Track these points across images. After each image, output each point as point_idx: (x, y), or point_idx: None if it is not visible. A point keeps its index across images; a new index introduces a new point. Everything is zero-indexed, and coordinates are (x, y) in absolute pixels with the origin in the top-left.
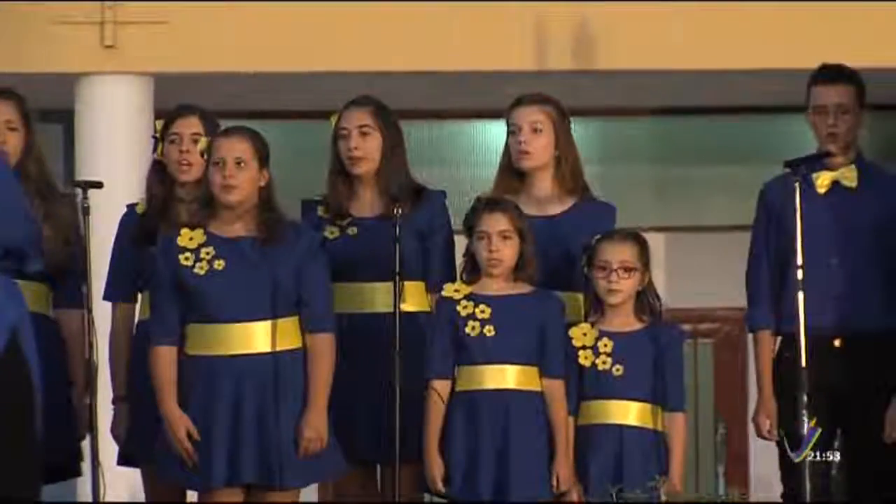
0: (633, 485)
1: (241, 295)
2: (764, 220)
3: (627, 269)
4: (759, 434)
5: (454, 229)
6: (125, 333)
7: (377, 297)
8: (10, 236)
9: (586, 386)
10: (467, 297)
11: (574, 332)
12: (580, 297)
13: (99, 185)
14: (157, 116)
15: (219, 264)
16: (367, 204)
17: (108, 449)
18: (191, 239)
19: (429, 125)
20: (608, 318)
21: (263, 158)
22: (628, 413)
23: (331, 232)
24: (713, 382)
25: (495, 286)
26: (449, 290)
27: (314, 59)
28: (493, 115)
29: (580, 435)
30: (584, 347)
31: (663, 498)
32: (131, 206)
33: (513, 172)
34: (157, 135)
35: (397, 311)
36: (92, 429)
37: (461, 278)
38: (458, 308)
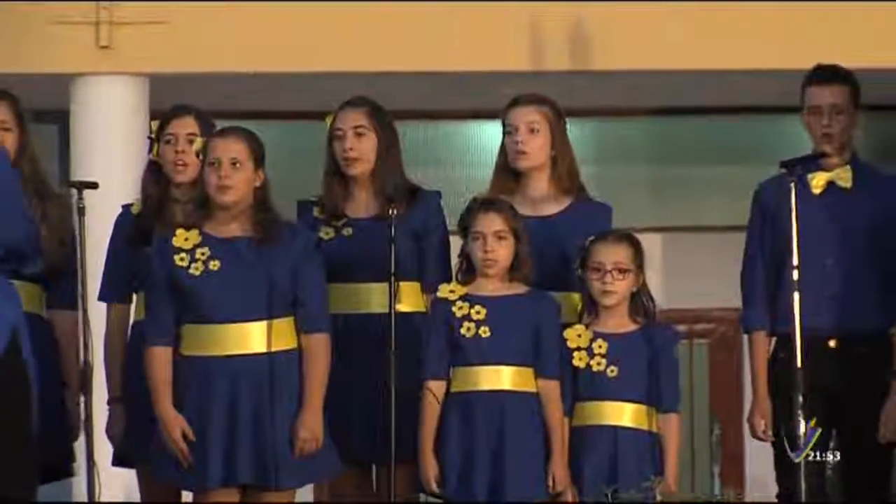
0: (628, 486)
1: (236, 295)
2: (759, 221)
3: (621, 271)
4: (754, 434)
5: (449, 230)
6: (120, 334)
7: (372, 297)
8: (10, 236)
9: (581, 387)
10: (462, 298)
11: (568, 333)
12: (576, 297)
13: (94, 185)
14: (153, 117)
15: (214, 265)
16: (362, 204)
17: (103, 449)
18: (186, 239)
19: (424, 125)
20: (602, 320)
21: (259, 159)
22: (623, 414)
23: (326, 233)
24: (709, 383)
25: (490, 287)
26: (444, 290)
27: (309, 60)
28: (488, 115)
29: (575, 436)
30: (578, 349)
31: (658, 498)
32: (126, 207)
33: (509, 173)
34: (153, 135)
35: (392, 311)
36: (87, 429)
37: (456, 279)
38: (454, 309)
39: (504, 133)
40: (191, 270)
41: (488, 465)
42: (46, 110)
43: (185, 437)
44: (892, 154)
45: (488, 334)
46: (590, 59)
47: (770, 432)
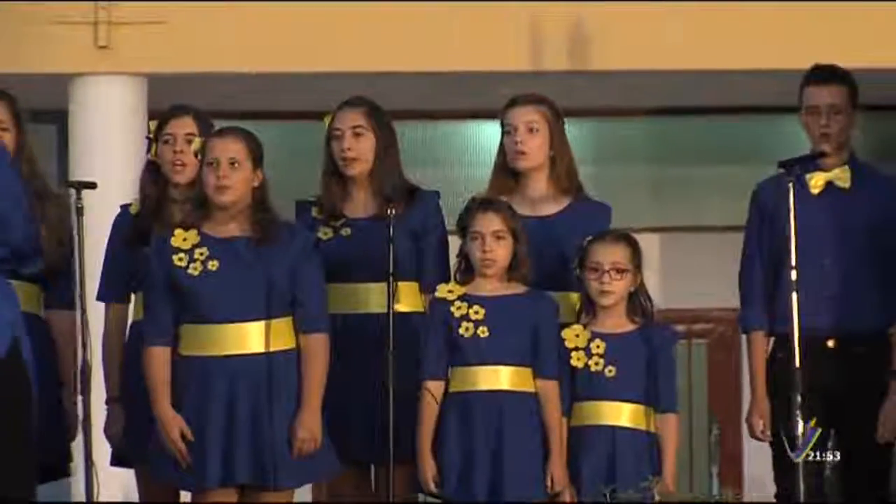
0: (626, 486)
1: (234, 295)
2: (757, 221)
3: (619, 271)
4: (753, 435)
5: (448, 230)
6: (118, 334)
7: (371, 297)
8: (12, 236)
9: (579, 387)
10: (461, 298)
11: (566, 333)
12: (575, 297)
13: (93, 185)
14: (151, 117)
15: (213, 265)
16: (360, 204)
17: (102, 449)
18: (184, 239)
19: (422, 125)
20: (600, 320)
21: (257, 159)
22: (621, 414)
23: (324, 233)
24: (707, 383)
25: (489, 287)
26: (443, 290)
27: (308, 60)
28: (487, 115)
29: (573, 436)
30: (576, 349)
31: (657, 498)
32: (125, 207)
33: (507, 173)
34: (151, 135)
35: (391, 311)
36: (86, 429)
37: (455, 279)
38: (452, 309)
39: (503, 133)
40: (189, 270)
41: (487, 465)
42: (45, 110)
43: (183, 437)
44: (891, 154)
45: (487, 334)
46: (588, 59)
47: (768, 432)
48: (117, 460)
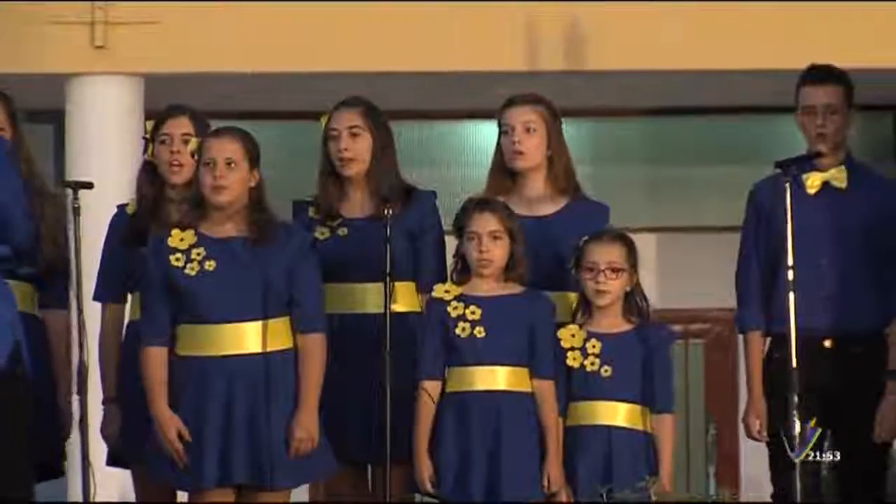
0: (623, 486)
1: (231, 295)
2: (753, 221)
3: (615, 270)
4: (749, 435)
5: (445, 230)
6: (115, 334)
7: (368, 297)
8: (13, 234)
9: (575, 387)
10: (458, 298)
11: (562, 333)
12: (572, 297)
13: (89, 185)
14: (148, 117)
15: (210, 265)
16: (357, 204)
17: (98, 449)
18: (181, 240)
19: (419, 125)
20: (596, 320)
21: (254, 159)
22: (617, 414)
23: (321, 233)
24: (704, 383)
25: (486, 287)
26: (439, 290)
27: (305, 60)
28: (483, 115)
29: (568, 436)
30: (572, 349)
31: (653, 498)
32: (121, 207)
33: (505, 173)
34: (148, 135)
35: (388, 311)
36: (82, 429)
37: (451, 279)
38: (449, 309)
39: (500, 133)
40: (186, 271)
41: (484, 466)
42: (41, 110)
43: (180, 437)
44: (887, 154)
45: (483, 334)
46: (585, 59)
47: (765, 432)
48: (114, 460)
